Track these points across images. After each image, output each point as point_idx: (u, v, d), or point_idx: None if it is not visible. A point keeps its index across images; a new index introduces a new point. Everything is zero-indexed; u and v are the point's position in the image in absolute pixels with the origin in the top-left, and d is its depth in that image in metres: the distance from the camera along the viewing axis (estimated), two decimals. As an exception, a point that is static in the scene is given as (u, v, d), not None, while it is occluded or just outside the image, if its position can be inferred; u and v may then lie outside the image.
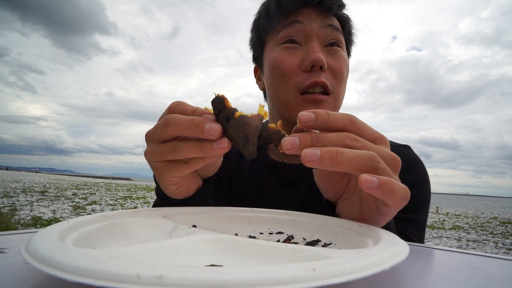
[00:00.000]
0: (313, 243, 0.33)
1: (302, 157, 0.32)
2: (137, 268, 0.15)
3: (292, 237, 0.36)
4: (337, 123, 0.35)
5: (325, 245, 0.32)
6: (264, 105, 0.37)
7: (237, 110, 0.34)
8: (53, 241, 0.21)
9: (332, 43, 0.65)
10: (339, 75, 0.65)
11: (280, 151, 0.35)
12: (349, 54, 0.73)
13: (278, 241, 0.34)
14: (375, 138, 0.37)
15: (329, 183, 0.42)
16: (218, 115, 0.35)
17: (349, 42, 0.72)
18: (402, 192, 0.33)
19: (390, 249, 0.22)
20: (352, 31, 0.73)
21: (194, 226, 0.40)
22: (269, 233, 0.39)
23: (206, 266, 0.21)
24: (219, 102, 0.35)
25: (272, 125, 0.36)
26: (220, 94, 0.35)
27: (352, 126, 0.36)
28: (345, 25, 0.69)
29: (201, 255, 0.26)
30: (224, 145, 0.35)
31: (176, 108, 0.38)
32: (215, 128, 0.34)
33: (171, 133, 0.37)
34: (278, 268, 0.16)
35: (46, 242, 0.21)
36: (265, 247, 0.25)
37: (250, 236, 0.37)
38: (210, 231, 0.34)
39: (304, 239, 0.36)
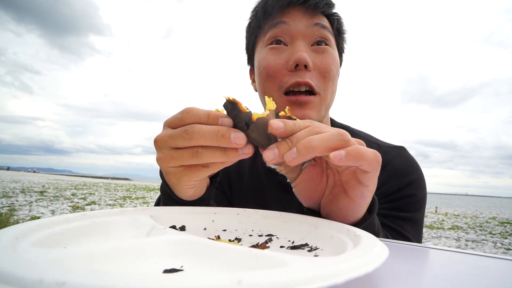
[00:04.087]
0: (299, 247, 0.33)
1: (285, 161, 0.35)
2: (43, 273, 0.15)
3: (271, 240, 0.36)
4: (301, 127, 0.37)
5: (311, 250, 0.32)
6: (271, 98, 0.38)
7: (251, 113, 0.35)
8: (1, 240, 0.21)
9: (320, 42, 0.64)
10: (326, 74, 0.64)
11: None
12: (341, 50, 0.72)
13: (257, 244, 0.34)
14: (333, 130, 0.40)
15: (311, 186, 0.44)
16: (234, 119, 0.35)
17: (340, 39, 0.71)
18: (372, 153, 0.35)
19: (353, 260, 0.20)
20: (344, 28, 0.72)
21: (183, 226, 0.40)
22: (259, 235, 0.39)
23: (165, 270, 0.21)
24: (233, 108, 0.35)
25: (282, 113, 0.39)
26: (231, 97, 0.35)
27: (313, 124, 0.38)
28: (334, 23, 0.68)
29: (163, 258, 0.25)
30: (249, 150, 0.36)
31: (189, 116, 0.38)
32: (241, 137, 0.35)
33: (195, 144, 0.37)
34: (202, 277, 0.15)
35: None
36: (231, 251, 0.25)
37: (236, 238, 0.37)
38: (183, 232, 0.33)
39: (293, 242, 0.36)
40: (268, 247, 0.33)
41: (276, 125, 0.35)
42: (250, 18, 0.73)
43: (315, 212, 0.46)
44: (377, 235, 0.45)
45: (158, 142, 0.40)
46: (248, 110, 0.35)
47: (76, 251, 0.22)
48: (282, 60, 0.64)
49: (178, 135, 0.37)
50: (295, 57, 0.61)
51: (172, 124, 0.39)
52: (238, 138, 0.35)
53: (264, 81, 0.67)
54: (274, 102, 0.38)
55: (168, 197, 0.48)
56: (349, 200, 0.40)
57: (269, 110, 0.36)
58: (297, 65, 0.61)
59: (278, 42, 0.65)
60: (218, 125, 0.36)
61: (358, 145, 0.35)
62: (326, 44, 0.65)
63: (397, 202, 0.66)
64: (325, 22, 0.65)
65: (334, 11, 0.68)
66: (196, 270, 0.22)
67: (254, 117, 0.35)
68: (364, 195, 0.40)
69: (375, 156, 0.36)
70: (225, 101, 0.35)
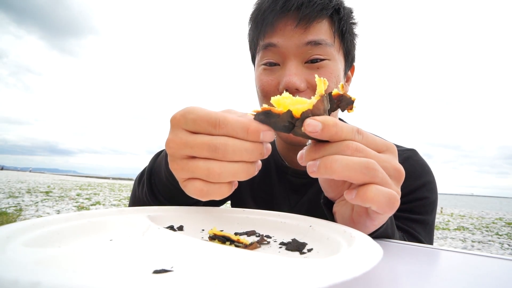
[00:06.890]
0: (293, 248, 0.33)
1: (308, 170, 0.35)
2: (19, 273, 0.15)
3: (263, 239, 0.36)
4: (343, 135, 0.34)
5: (305, 251, 0.32)
6: (323, 78, 0.34)
7: (291, 111, 0.32)
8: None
9: (314, 60, 0.62)
10: None
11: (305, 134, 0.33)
12: (348, 54, 0.68)
13: (251, 243, 0.34)
14: (381, 148, 0.37)
15: (331, 185, 0.43)
16: (274, 126, 0.33)
17: (344, 40, 0.66)
18: (385, 198, 0.33)
19: (341, 263, 0.20)
20: (351, 24, 0.67)
21: (181, 226, 0.40)
22: (256, 236, 0.39)
23: (155, 270, 0.20)
24: (268, 116, 0.32)
25: (335, 91, 0.35)
26: (260, 109, 0.32)
27: (358, 136, 0.35)
28: (335, 24, 0.63)
29: (155, 258, 0.25)
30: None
31: (222, 130, 0.33)
32: (269, 148, 0.35)
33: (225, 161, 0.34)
34: (176, 281, 0.15)
35: None
36: (221, 252, 0.25)
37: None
38: (177, 232, 0.33)
39: (288, 243, 0.36)
40: (259, 246, 0.33)
41: (312, 127, 0.32)
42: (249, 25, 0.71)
43: (329, 205, 0.45)
44: (391, 237, 0.45)
45: (171, 149, 0.34)
46: (284, 111, 0.32)
47: (66, 250, 0.22)
48: (275, 81, 0.63)
49: (202, 149, 0.32)
50: (284, 82, 0.60)
51: (193, 128, 0.34)
52: (268, 150, 0.34)
53: (261, 99, 0.68)
54: (325, 83, 0.33)
55: (167, 181, 0.49)
56: (352, 220, 0.39)
57: (319, 97, 0.32)
58: (287, 89, 0.60)
59: (271, 64, 0.64)
60: (258, 141, 0.33)
61: (372, 186, 0.33)
62: (323, 60, 0.62)
63: (409, 205, 0.66)
64: (321, 33, 0.61)
65: (334, 10, 0.62)
66: (185, 271, 0.22)
67: (297, 112, 0.32)
68: (366, 225, 0.38)
69: (388, 200, 0.33)
70: (255, 115, 0.32)
